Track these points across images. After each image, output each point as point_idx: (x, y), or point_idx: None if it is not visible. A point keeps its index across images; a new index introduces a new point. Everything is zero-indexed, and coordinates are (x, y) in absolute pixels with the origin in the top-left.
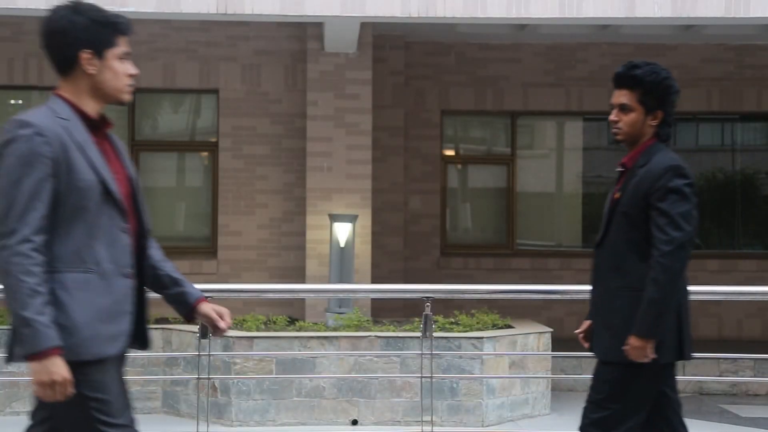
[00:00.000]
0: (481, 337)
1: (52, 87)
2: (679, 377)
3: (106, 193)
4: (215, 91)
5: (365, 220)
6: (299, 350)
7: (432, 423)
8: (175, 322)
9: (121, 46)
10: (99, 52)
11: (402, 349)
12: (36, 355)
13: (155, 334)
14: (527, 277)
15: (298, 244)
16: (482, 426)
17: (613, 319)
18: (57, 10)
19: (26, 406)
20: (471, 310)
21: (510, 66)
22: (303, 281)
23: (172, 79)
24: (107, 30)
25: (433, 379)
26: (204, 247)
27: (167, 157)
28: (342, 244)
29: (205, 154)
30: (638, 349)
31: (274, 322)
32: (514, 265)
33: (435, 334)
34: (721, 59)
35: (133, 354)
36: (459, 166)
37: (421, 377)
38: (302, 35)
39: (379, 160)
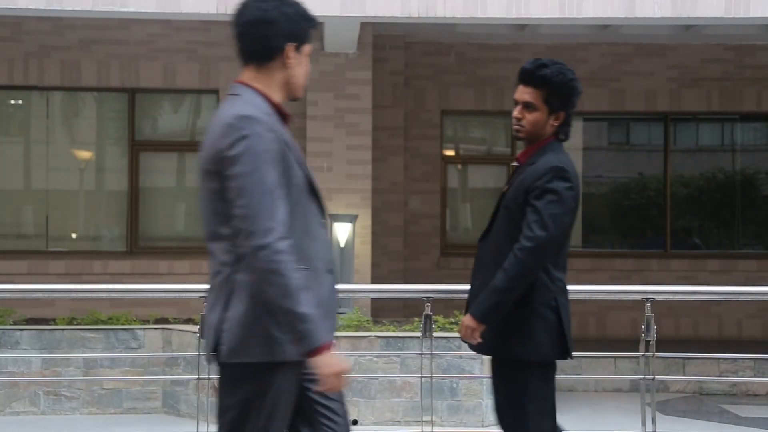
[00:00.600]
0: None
1: (52, 87)
2: (679, 377)
3: (311, 189)
4: (215, 91)
5: (365, 220)
6: None
7: (432, 423)
8: (175, 322)
9: (311, 44)
10: (299, 46)
11: (402, 349)
12: (319, 349)
13: (155, 334)
14: None
15: None
16: (482, 426)
17: None
18: (264, 0)
19: (26, 406)
20: None
21: (510, 66)
22: None
23: (172, 79)
24: (308, 25)
25: (433, 379)
26: (204, 247)
27: (167, 157)
28: (342, 244)
29: None
30: (468, 328)
31: None
32: None
33: (435, 334)
34: (721, 59)
35: (133, 354)
36: (459, 166)
37: (421, 377)
38: None
39: (379, 160)
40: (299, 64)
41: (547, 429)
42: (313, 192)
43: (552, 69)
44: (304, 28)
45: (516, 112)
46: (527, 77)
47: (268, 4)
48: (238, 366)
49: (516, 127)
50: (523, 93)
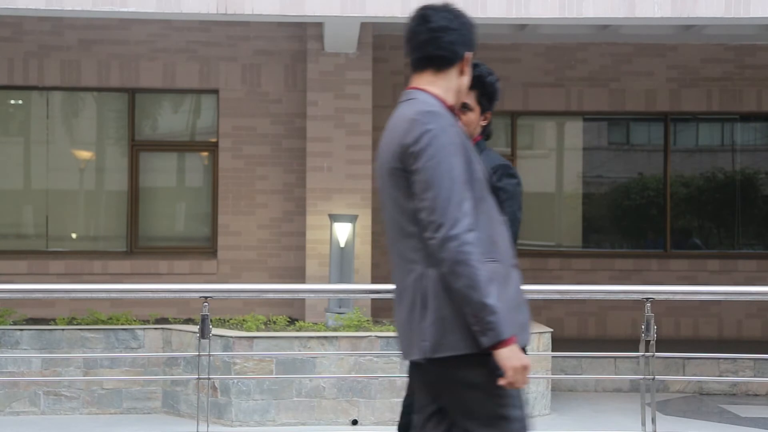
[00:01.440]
0: None
1: (52, 87)
2: (679, 377)
3: (490, 185)
4: (215, 91)
5: (365, 220)
6: (299, 350)
7: None
8: (175, 322)
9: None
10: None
11: None
12: (505, 342)
13: (155, 334)
14: (527, 277)
15: (298, 244)
16: None
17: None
18: (449, 8)
19: (26, 406)
20: None
21: (510, 66)
22: (303, 281)
23: (172, 79)
24: (475, 36)
25: None
26: (204, 247)
27: (167, 157)
28: (342, 244)
29: (205, 154)
30: None
31: (274, 322)
32: None
33: None
34: (721, 59)
35: (133, 354)
36: None
37: None
38: (302, 35)
39: None
40: (467, 74)
41: None
42: (491, 189)
43: (482, 69)
44: (475, 37)
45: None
46: None
47: (450, 13)
48: (446, 360)
49: None
50: None
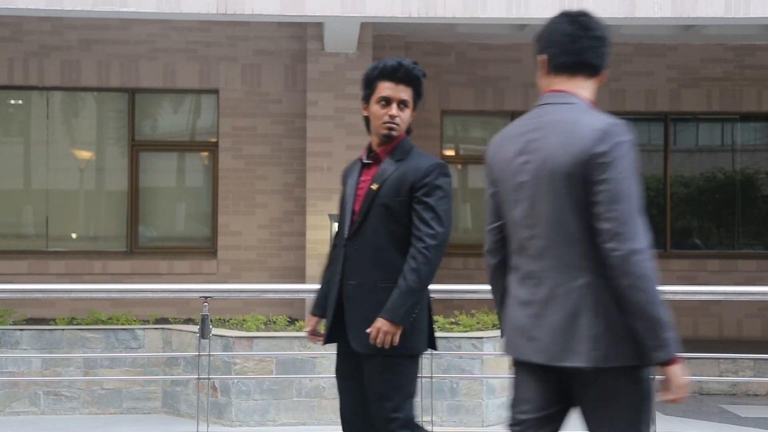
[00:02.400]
0: (481, 337)
1: (52, 87)
2: None
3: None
4: (215, 91)
5: None
6: (299, 350)
7: (432, 423)
8: (175, 322)
9: None
10: None
11: None
12: (676, 359)
13: (155, 334)
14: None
15: (298, 244)
16: (482, 426)
17: (375, 313)
18: (600, 21)
19: (26, 406)
20: (471, 310)
21: (510, 66)
22: (303, 281)
23: (172, 79)
24: None
25: (433, 379)
26: (204, 247)
27: (167, 157)
28: None
29: (205, 154)
30: (388, 333)
31: (274, 322)
32: None
33: (435, 334)
34: (721, 59)
35: (133, 354)
36: (459, 166)
37: (421, 377)
38: (302, 35)
39: None
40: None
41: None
42: None
43: (417, 67)
44: None
45: (394, 111)
46: (407, 76)
47: (604, 26)
48: (611, 371)
49: (392, 125)
50: (400, 91)
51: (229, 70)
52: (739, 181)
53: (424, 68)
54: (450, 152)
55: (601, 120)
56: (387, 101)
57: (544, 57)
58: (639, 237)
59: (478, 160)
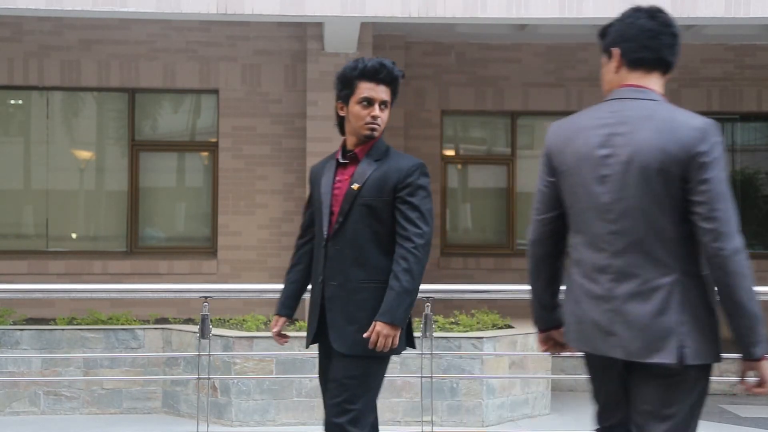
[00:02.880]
0: (481, 337)
1: (52, 87)
2: None
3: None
4: (215, 91)
5: None
6: (299, 350)
7: (432, 423)
8: (175, 322)
9: None
10: None
11: None
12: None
13: (155, 334)
14: (527, 278)
15: None
16: (482, 426)
17: (358, 312)
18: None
19: (26, 406)
20: (471, 310)
21: (510, 66)
22: None
23: (172, 79)
24: None
25: (433, 379)
26: (204, 247)
27: (167, 157)
28: None
29: (205, 154)
30: (388, 337)
31: None
32: (514, 265)
33: (435, 334)
34: (721, 59)
35: (133, 354)
36: (459, 166)
37: (421, 377)
38: (302, 35)
39: None
40: None
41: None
42: None
43: (397, 68)
44: None
45: (376, 111)
46: (388, 77)
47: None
48: (693, 369)
49: (374, 125)
50: (381, 92)
51: (229, 70)
52: (739, 181)
53: (424, 68)
54: (450, 152)
55: (697, 119)
56: (369, 102)
57: (617, 50)
58: (739, 236)
59: (478, 160)
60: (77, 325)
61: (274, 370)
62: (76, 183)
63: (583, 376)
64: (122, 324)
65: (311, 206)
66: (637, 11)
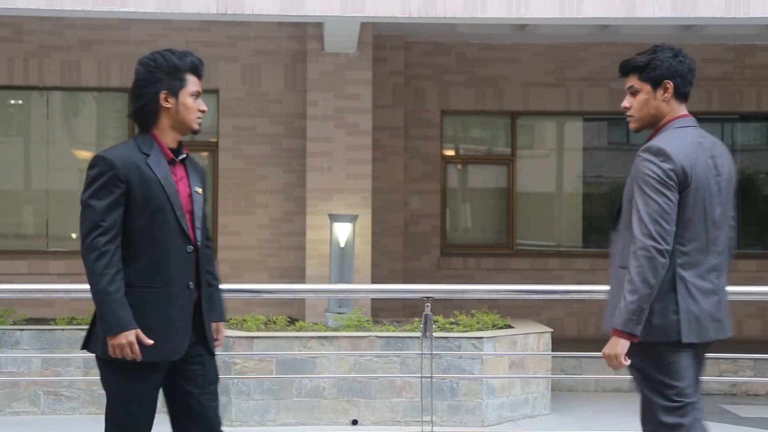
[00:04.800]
0: (481, 337)
1: (52, 87)
2: None
3: None
4: (215, 91)
5: (365, 220)
6: (299, 350)
7: (432, 423)
8: None
9: None
10: None
11: (402, 349)
12: None
13: None
14: (527, 277)
15: (298, 244)
16: (482, 426)
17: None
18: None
19: (26, 406)
20: (471, 310)
21: (510, 66)
22: (303, 281)
23: None
24: None
25: (433, 379)
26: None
27: None
28: (342, 244)
29: (205, 154)
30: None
31: (274, 322)
32: (514, 265)
33: (435, 334)
34: (721, 59)
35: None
36: (459, 166)
37: (421, 377)
38: (302, 35)
39: (379, 160)
40: None
41: None
42: None
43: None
44: None
45: (204, 106)
46: (202, 73)
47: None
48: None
49: (201, 120)
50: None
51: (229, 70)
52: (739, 182)
53: (424, 68)
54: (450, 152)
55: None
56: (197, 95)
57: (671, 84)
58: None
59: (478, 160)
60: (77, 325)
61: (274, 370)
62: (76, 183)
63: (583, 376)
64: None
65: (132, 205)
66: (680, 52)
